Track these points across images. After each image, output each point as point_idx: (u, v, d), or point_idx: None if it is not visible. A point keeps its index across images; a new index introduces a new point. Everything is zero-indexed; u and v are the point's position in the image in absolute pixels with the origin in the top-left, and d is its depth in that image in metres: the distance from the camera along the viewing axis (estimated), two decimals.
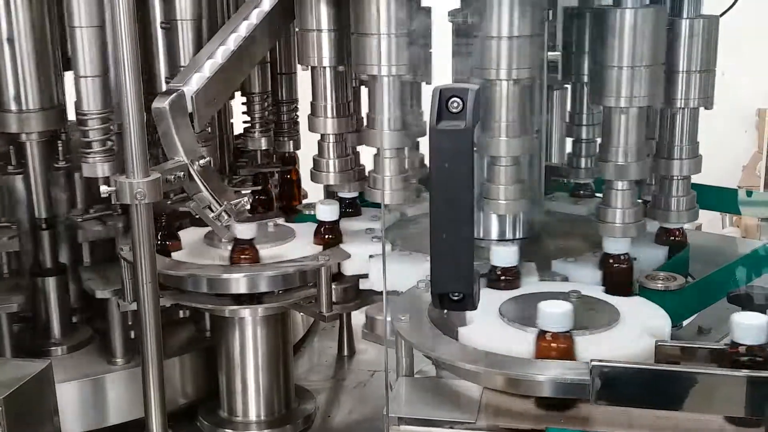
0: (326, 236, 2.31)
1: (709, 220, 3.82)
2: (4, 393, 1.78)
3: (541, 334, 1.69)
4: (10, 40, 2.29)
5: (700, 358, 1.71)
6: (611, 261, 2.09)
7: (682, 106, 2.16)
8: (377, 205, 2.48)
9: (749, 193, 2.65)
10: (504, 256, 2.02)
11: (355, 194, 2.48)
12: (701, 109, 2.20)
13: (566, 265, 2.16)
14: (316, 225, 2.35)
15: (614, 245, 2.09)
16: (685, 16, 2.12)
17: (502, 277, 2.01)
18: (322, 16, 2.21)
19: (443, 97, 1.36)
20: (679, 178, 2.22)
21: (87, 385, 2.33)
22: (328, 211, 2.32)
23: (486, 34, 1.99)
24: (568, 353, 1.68)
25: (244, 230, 2.20)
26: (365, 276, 2.26)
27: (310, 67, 2.29)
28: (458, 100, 1.36)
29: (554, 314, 1.68)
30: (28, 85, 2.31)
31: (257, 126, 2.70)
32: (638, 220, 2.11)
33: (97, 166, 2.18)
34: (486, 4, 1.97)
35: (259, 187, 2.68)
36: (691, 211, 2.25)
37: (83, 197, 2.54)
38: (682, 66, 2.13)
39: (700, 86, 2.15)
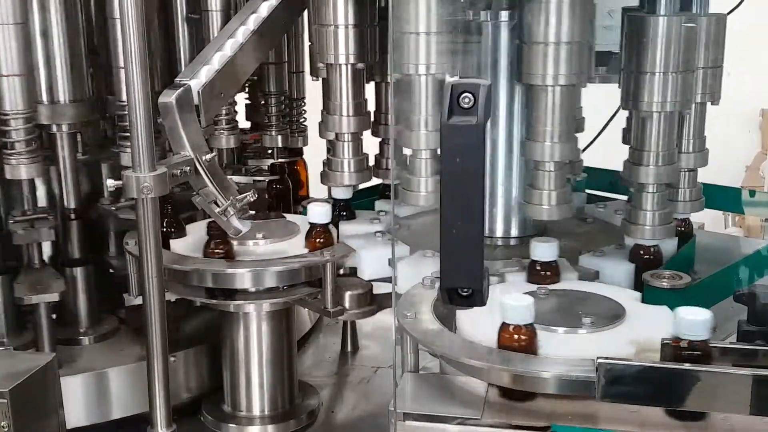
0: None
1: (713, 220, 3.82)
2: (10, 385, 1.78)
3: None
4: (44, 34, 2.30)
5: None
6: (642, 252, 2.14)
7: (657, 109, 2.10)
8: (370, 206, 2.52)
9: (752, 193, 2.65)
10: (544, 250, 2.03)
11: (349, 195, 2.46)
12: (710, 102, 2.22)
13: (597, 260, 2.18)
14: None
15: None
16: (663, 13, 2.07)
17: (542, 272, 2.03)
18: (339, 11, 2.17)
19: (455, 92, 1.36)
20: (686, 170, 2.27)
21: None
22: (320, 213, 2.28)
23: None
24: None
25: (319, 213, 2.24)
26: (387, 280, 2.23)
27: (326, 64, 2.25)
28: (470, 95, 1.36)
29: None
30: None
31: (274, 124, 2.75)
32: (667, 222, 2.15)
33: (21, 168, 2.22)
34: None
35: (277, 176, 2.75)
36: (697, 201, 2.31)
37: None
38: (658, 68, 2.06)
39: (708, 82, 2.17)
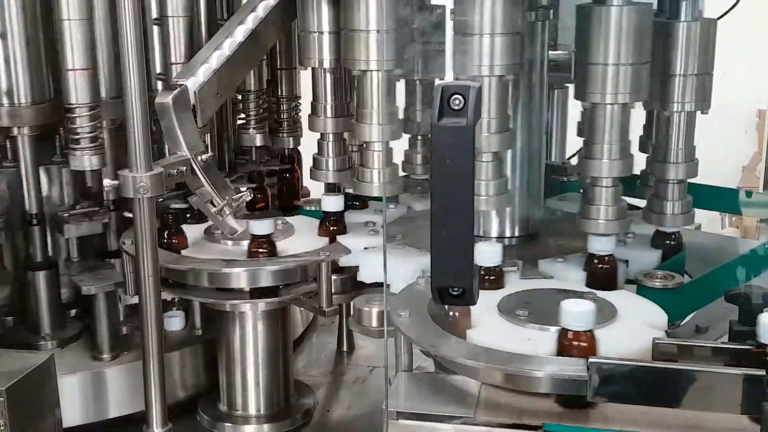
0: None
1: (709, 221, 3.82)
2: (7, 384, 1.80)
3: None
4: (3, 36, 2.29)
5: (697, 355, 1.72)
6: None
7: (679, 109, 2.15)
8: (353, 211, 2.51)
9: (749, 194, 2.66)
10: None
11: (341, 208, 2.41)
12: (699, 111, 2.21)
13: (553, 265, 2.16)
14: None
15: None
16: (682, 19, 2.11)
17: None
18: (323, 18, 2.20)
19: (445, 94, 1.37)
20: (674, 181, 2.22)
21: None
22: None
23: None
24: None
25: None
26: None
27: (310, 67, 2.28)
28: (460, 97, 1.37)
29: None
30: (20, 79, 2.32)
31: (252, 122, 2.74)
32: (621, 218, 2.11)
33: (84, 159, 2.24)
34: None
35: (255, 185, 2.70)
36: (686, 215, 2.24)
37: (71, 193, 2.55)
38: (679, 69, 2.12)
39: (697, 89, 2.13)
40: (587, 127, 2.11)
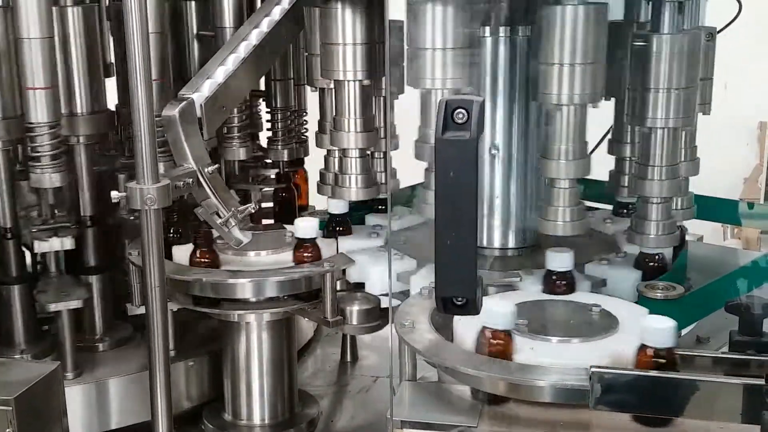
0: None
1: (712, 232, 3.84)
2: (15, 393, 1.81)
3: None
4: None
5: (698, 366, 1.74)
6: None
7: (661, 125, 2.10)
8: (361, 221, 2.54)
9: (750, 206, 2.68)
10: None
11: (345, 209, 2.48)
12: (701, 121, 2.23)
13: (603, 268, 2.20)
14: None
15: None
16: (662, 32, 2.06)
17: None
18: (347, 30, 2.20)
19: (449, 108, 1.40)
20: (657, 201, 2.16)
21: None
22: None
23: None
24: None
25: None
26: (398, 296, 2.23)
27: (333, 80, 2.27)
28: (463, 111, 1.39)
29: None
30: None
31: (280, 138, 2.79)
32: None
33: (45, 177, 2.26)
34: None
35: (284, 185, 2.83)
36: (670, 236, 2.19)
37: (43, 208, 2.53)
38: (661, 83, 2.07)
39: (680, 105, 2.08)
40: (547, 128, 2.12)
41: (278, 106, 2.76)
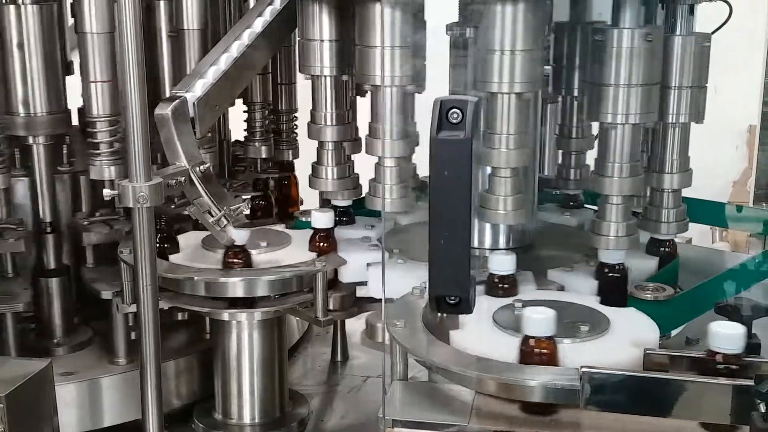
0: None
1: (700, 234, 3.86)
2: (6, 390, 1.81)
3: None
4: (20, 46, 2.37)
5: (687, 366, 1.75)
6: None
7: (674, 121, 2.20)
8: (371, 214, 2.53)
9: (739, 209, 2.69)
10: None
11: (349, 202, 2.51)
12: (692, 124, 2.25)
13: (563, 275, 2.20)
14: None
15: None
16: (678, 33, 2.16)
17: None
18: (324, 27, 2.26)
19: (443, 107, 1.40)
20: (669, 191, 2.27)
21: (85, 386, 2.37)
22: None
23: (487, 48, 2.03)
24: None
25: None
26: (363, 284, 2.31)
27: (310, 76, 2.33)
28: (458, 111, 1.40)
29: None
30: (36, 89, 2.39)
31: (257, 135, 2.77)
32: (631, 234, 2.15)
33: (104, 169, 2.28)
34: (489, 19, 2.01)
35: (260, 193, 2.76)
36: (681, 222, 2.30)
37: (89, 201, 2.60)
38: (674, 82, 2.16)
39: (691, 102, 2.18)
40: (600, 145, 2.16)
41: (257, 101, 2.75)
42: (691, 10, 2.13)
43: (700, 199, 2.48)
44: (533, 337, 1.73)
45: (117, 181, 2.05)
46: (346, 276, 2.30)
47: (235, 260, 2.25)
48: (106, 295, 2.38)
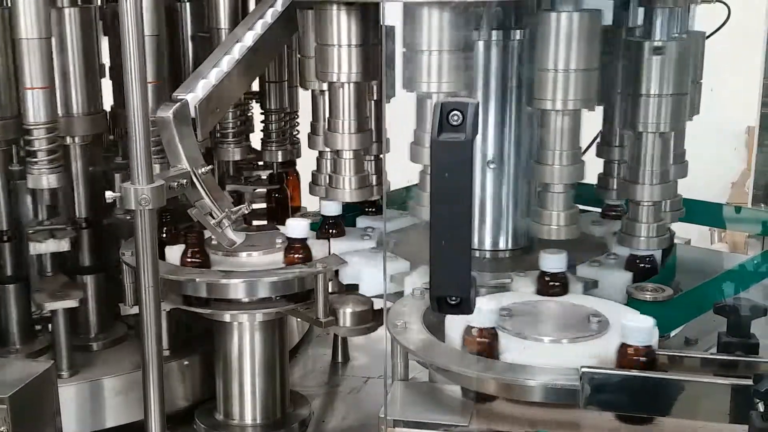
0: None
1: (699, 236, 3.86)
2: (10, 391, 1.83)
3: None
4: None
5: (687, 366, 1.76)
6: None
7: (651, 129, 2.13)
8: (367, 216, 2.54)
9: (737, 210, 2.70)
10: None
11: (339, 212, 2.48)
12: (689, 126, 2.25)
13: (595, 270, 2.21)
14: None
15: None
16: (654, 38, 2.09)
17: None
18: (342, 31, 2.20)
19: (444, 110, 1.41)
20: (647, 203, 2.20)
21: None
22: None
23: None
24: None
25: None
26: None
27: (327, 82, 2.29)
28: (458, 113, 1.41)
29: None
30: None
31: (273, 140, 2.80)
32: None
33: (42, 178, 2.28)
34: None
35: (277, 186, 2.84)
36: (661, 238, 2.23)
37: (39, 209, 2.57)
38: (652, 89, 2.09)
39: (670, 109, 2.11)
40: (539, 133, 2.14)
41: (272, 107, 2.77)
42: (672, 14, 2.09)
43: (699, 200, 2.48)
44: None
45: (120, 183, 2.06)
46: (369, 290, 2.29)
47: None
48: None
